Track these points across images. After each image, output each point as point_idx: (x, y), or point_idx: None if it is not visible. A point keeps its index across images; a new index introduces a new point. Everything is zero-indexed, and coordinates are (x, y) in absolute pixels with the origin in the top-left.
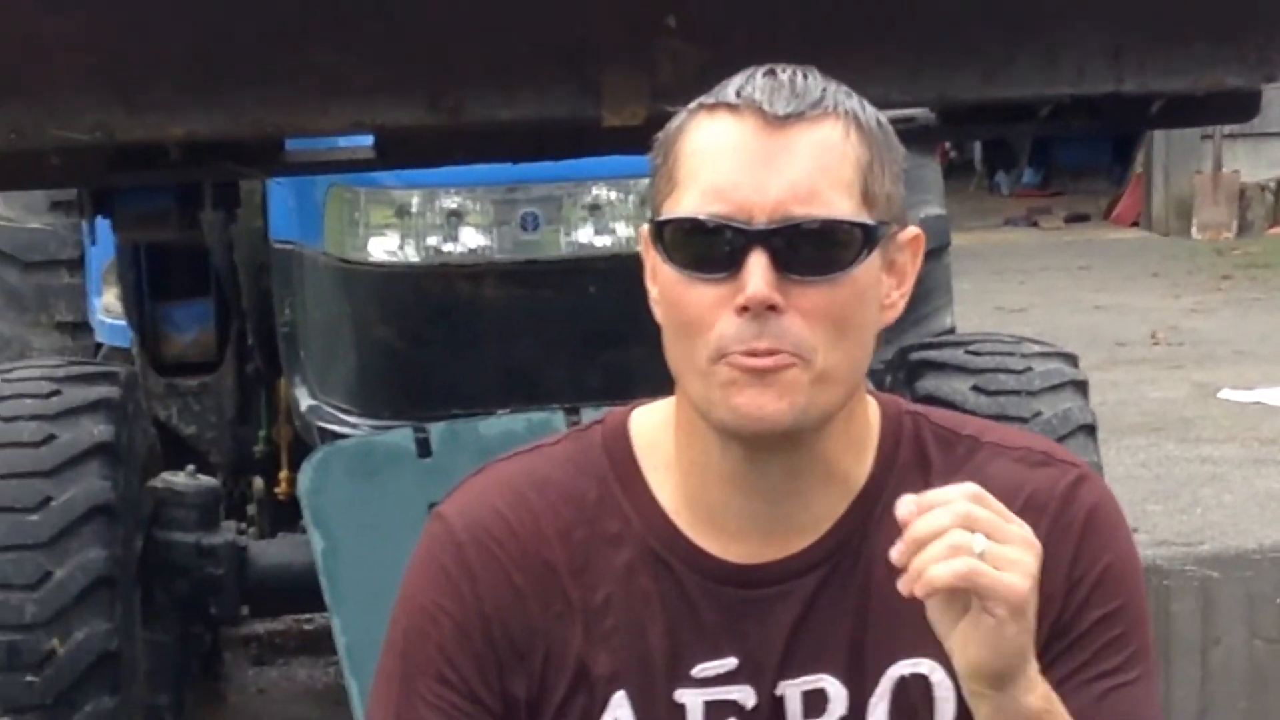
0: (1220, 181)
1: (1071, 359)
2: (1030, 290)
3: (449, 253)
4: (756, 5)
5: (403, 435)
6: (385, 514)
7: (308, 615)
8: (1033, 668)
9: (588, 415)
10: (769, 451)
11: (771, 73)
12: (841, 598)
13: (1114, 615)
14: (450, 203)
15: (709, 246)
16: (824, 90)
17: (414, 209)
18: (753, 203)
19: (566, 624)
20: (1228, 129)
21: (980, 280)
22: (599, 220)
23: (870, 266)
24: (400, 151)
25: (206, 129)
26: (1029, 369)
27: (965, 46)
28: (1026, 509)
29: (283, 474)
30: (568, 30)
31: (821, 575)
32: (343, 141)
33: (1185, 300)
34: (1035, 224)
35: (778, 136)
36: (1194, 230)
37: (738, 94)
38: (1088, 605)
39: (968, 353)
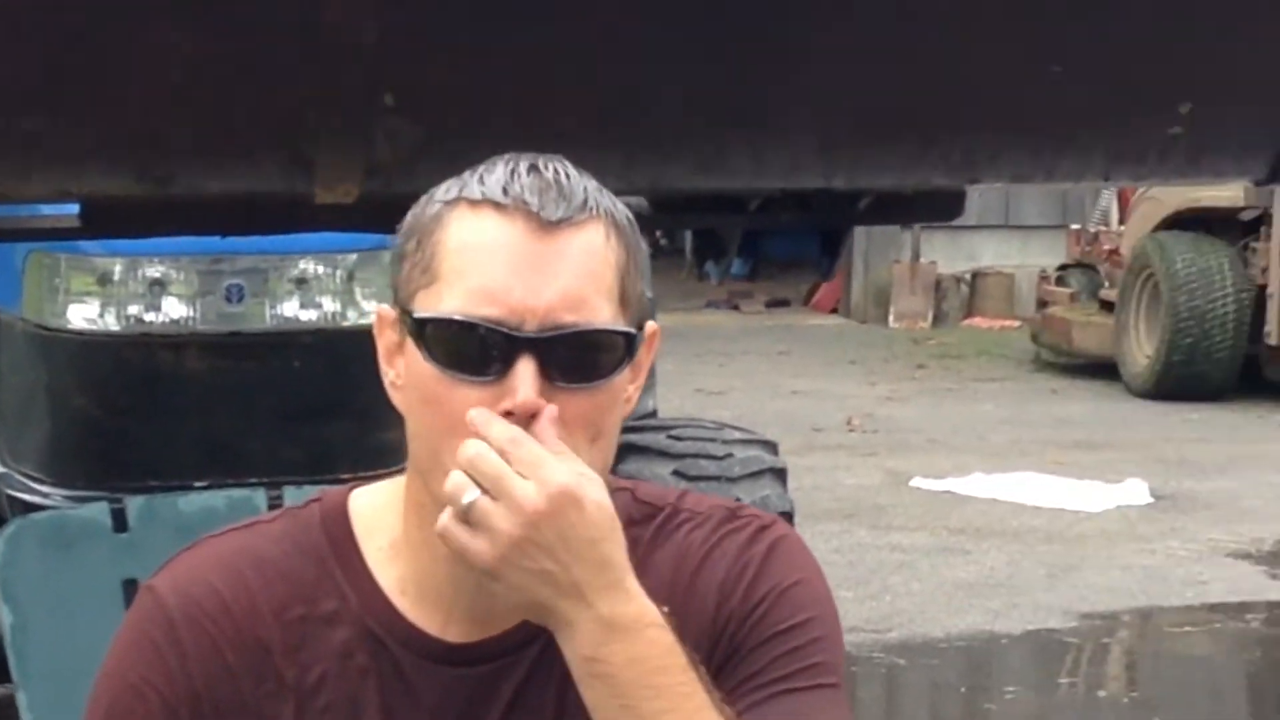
0: (917, 272)
1: (771, 446)
2: (730, 373)
3: (151, 322)
4: (475, 86)
5: (98, 509)
6: (78, 589)
7: None
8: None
9: (290, 494)
10: None
11: (535, 169)
12: (553, 673)
13: (794, 629)
14: (154, 272)
15: (476, 349)
16: (586, 190)
17: (116, 277)
18: (526, 307)
19: (278, 703)
20: None
21: (681, 362)
22: (305, 294)
23: (625, 372)
24: (106, 221)
25: None
26: (730, 455)
27: (679, 137)
28: (710, 558)
29: None
30: (282, 104)
31: (536, 651)
32: (47, 209)
33: (881, 388)
34: (737, 307)
35: (548, 241)
36: (891, 319)
37: (504, 191)
38: (765, 620)
39: (669, 437)
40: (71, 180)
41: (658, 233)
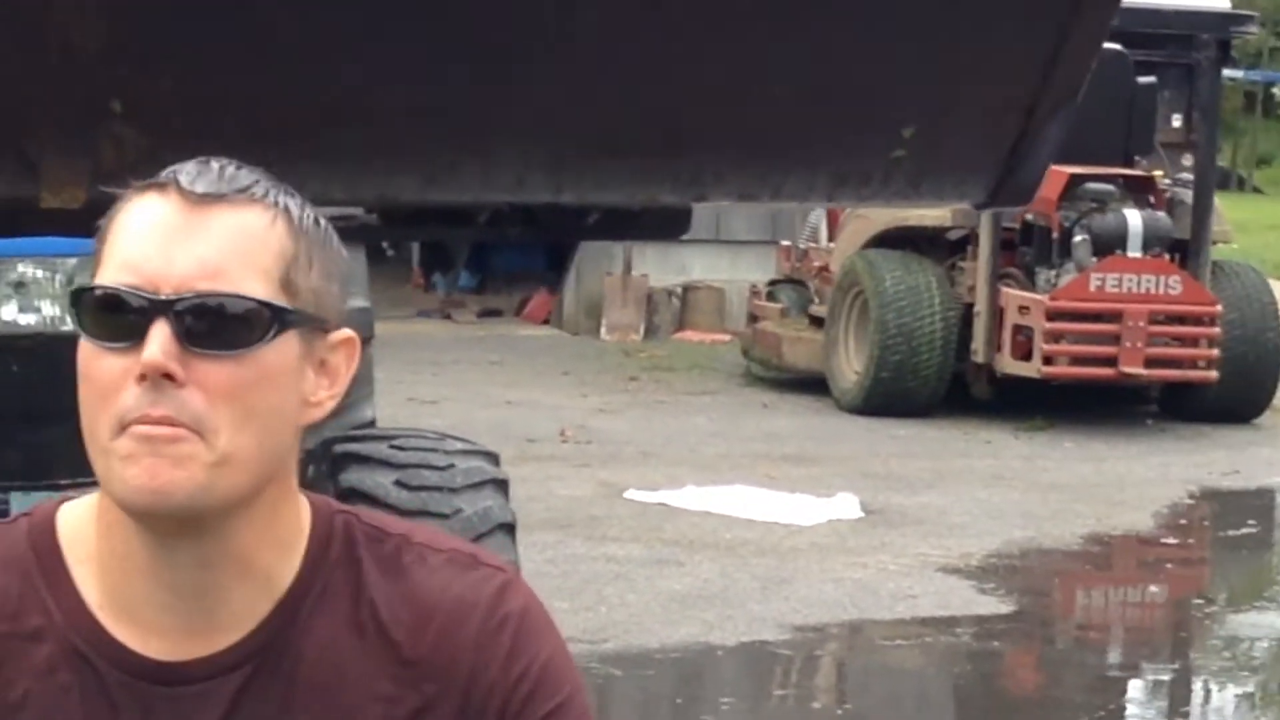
0: (629, 284)
1: (493, 457)
2: (443, 383)
3: None
4: (202, 94)
5: None
6: None
7: None
8: None
9: (15, 500)
10: (178, 539)
11: (206, 161)
12: (265, 699)
13: (562, 708)
14: None
15: (117, 318)
16: (256, 181)
17: None
18: (160, 275)
19: None
20: None
21: (393, 371)
22: (24, 298)
23: (283, 352)
24: None
25: None
26: (451, 465)
27: (408, 149)
28: (454, 610)
29: None
30: (7, 109)
31: (244, 675)
32: None
33: (594, 399)
34: (449, 317)
35: (195, 214)
36: (603, 331)
37: (167, 175)
38: (534, 699)
39: (391, 447)
40: None
41: (384, 244)
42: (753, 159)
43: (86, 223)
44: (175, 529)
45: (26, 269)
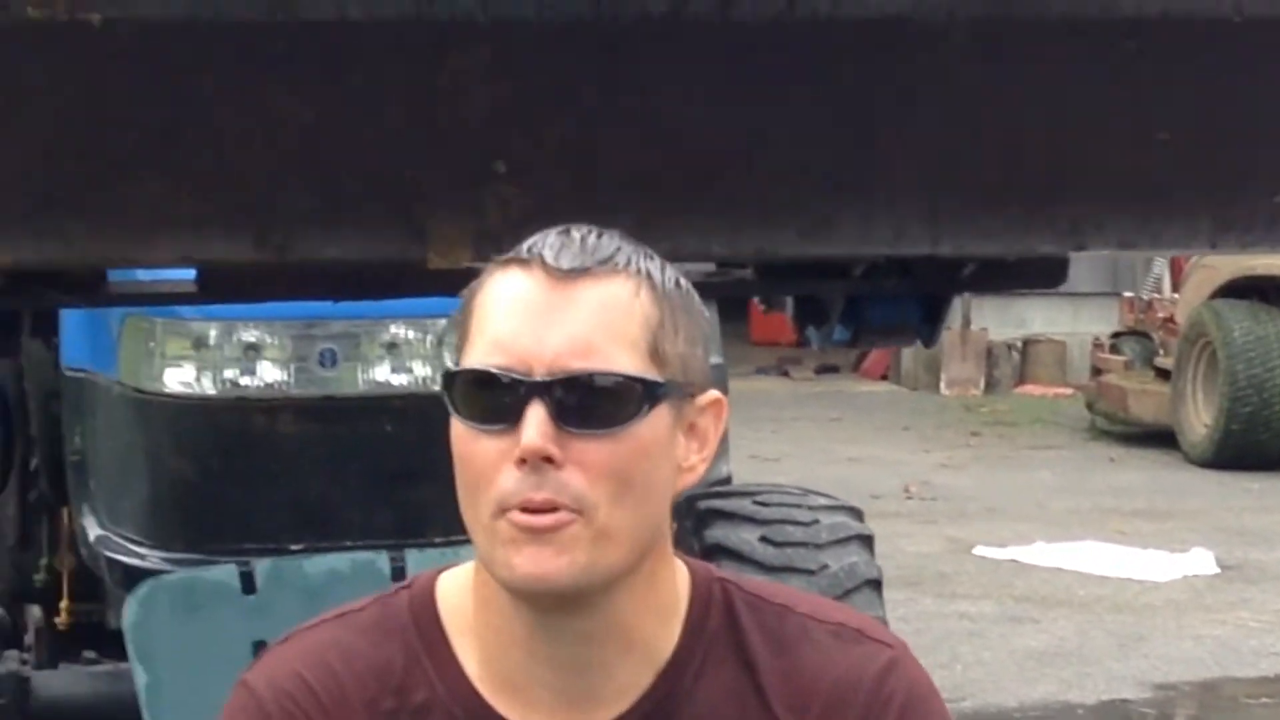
0: (968, 339)
1: (857, 513)
2: (783, 439)
3: (245, 386)
4: (583, 154)
5: (227, 571)
6: (209, 649)
7: None
8: None
9: (411, 557)
10: (559, 615)
11: (566, 231)
12: None
13: None
14: (248, 336)
15: (491, 399)
16: (617, 249)
17: (211, 341)
18: (531, 355)
19: None
20: None
21: (733, 427)
22: (396, 358)
23: (656, 424)
24: (222, 286)
25: (34, 258)
26: (816, 521)
27: (786, 204)
28: (839, 688)
29: (63, 604)
30: (396, 172)
31: None
32: (165, 274)
33: (936, 455)
34: (786, 373)
35: (561, 290)
36: (942, 386)
37: (529, 250)
38: None
39: (755, 503)
40: (192, 246)
41: (757, 299)
42: (1133, 207)
43: (459, 284)
44: (556, 606)
45: (398, 330)
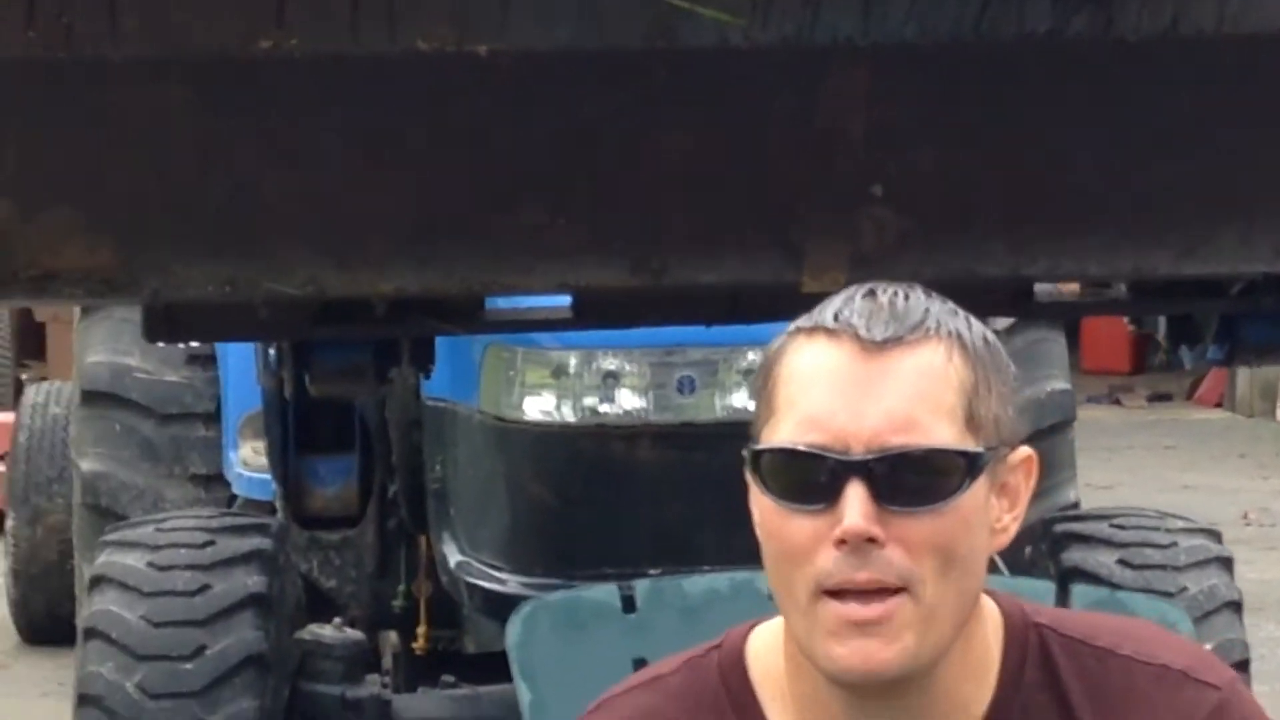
0: None
1: (1215, 535)
2: (1116, 468)
3: (605, 414)
4: (959, 176)
5: (608, 591)
6: (591, 668)
7: None
8: None
9: None
10: (879, 699)
11: (871, 294)
12: None
13: None
14: (608, 364)
15: (805, 477)
16: (926, 311)
17: (571, 369)
18: (849, 432)
19: None
20: None
21: None
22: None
23: (976, 494)
24: (597, 312)
25: (415, 286)
26: (1174, 544)
27: (1166, 221)
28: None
29: (421, 629)
30: (774, 196)
31: None
32: (539, 301)
33: (1275, 482)
34: (1118, 401)
35: (875, 362)
36: (1279, 412)
37: (835, 318)
38: None
39: (1112, 526)
40: (570, 273)
41: (1126, 320)
42: None
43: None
44: (880, 692)
45: (755, 356)
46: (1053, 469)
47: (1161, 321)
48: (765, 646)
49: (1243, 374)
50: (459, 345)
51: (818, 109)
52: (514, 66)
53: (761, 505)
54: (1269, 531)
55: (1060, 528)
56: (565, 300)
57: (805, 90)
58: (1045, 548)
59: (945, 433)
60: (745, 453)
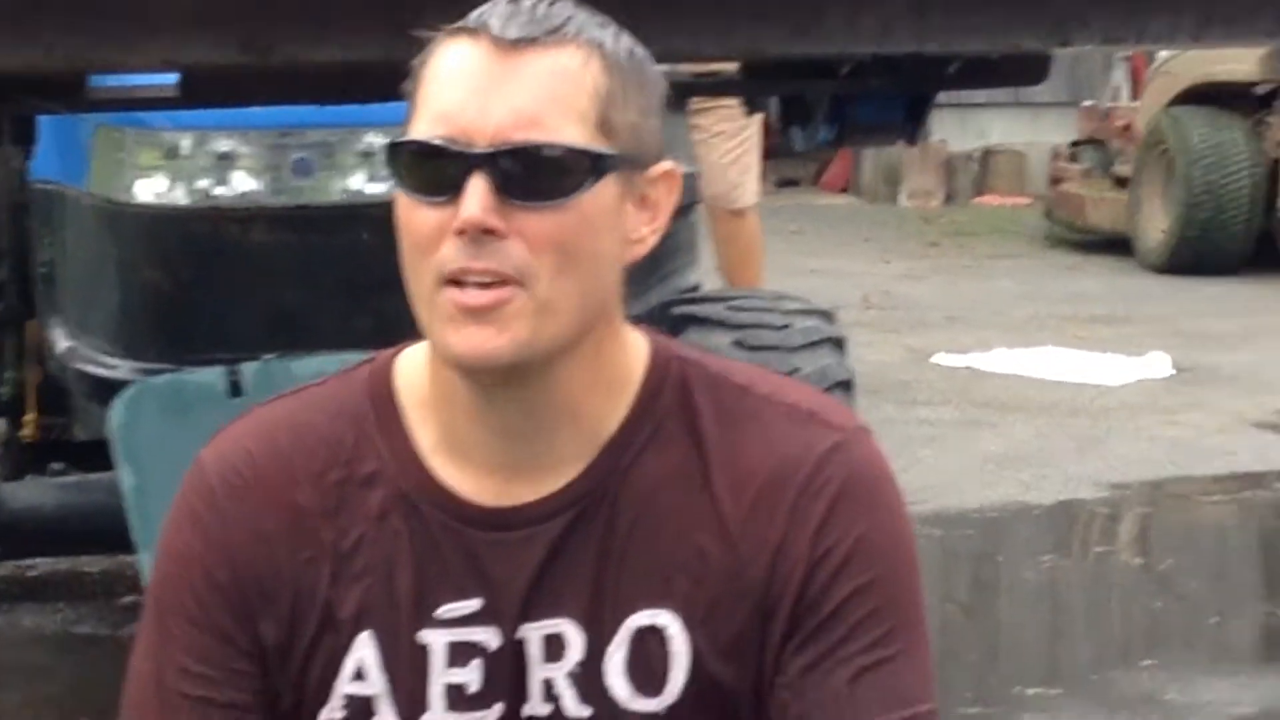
0: (928, 151)
1: (828, 315)
2: None
3: (219, 196)
4: None
5: (215, 374)
6: (195, 452)
7: (31, 561)
8: None
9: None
10: (502, 387)
11: (515, 0)
12: (585, 544)
13: (867, 589)
14: (221, 146)
15: (432, 170)
16: (568, 19)
17: (184, 151)
18: (475, 127)
19: (316, 567)
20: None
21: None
22: (372, 167)
23: (602, 195)
24: (205, 91)
25: (12, 62)
26: (788, 325)
27: (775, 3)
28: (777, 471)
29: (29, 416)
30: None
31: (567, 520)
32: (146, 79)
33: (896, 266)
34: None
35: (508, 61)
36: (902, 198)
37: (477, 19)
38: (836, 581)
39: (729, 308)
40: (176, 50)
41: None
42: (1118, 1)
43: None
44: (501, 379)
45: (374, 138)
46: (674, 253)
47: (774, 103)
48: (412, 362)
49: (867, 159)
50: (67, 125)
51: None
52: None
53: (399, 202)
54: (889, 315)
55: (678, 310)
56: (173, 78)
57: None
58: (664, 330)
59: (573, 133)
60: (385, 147)
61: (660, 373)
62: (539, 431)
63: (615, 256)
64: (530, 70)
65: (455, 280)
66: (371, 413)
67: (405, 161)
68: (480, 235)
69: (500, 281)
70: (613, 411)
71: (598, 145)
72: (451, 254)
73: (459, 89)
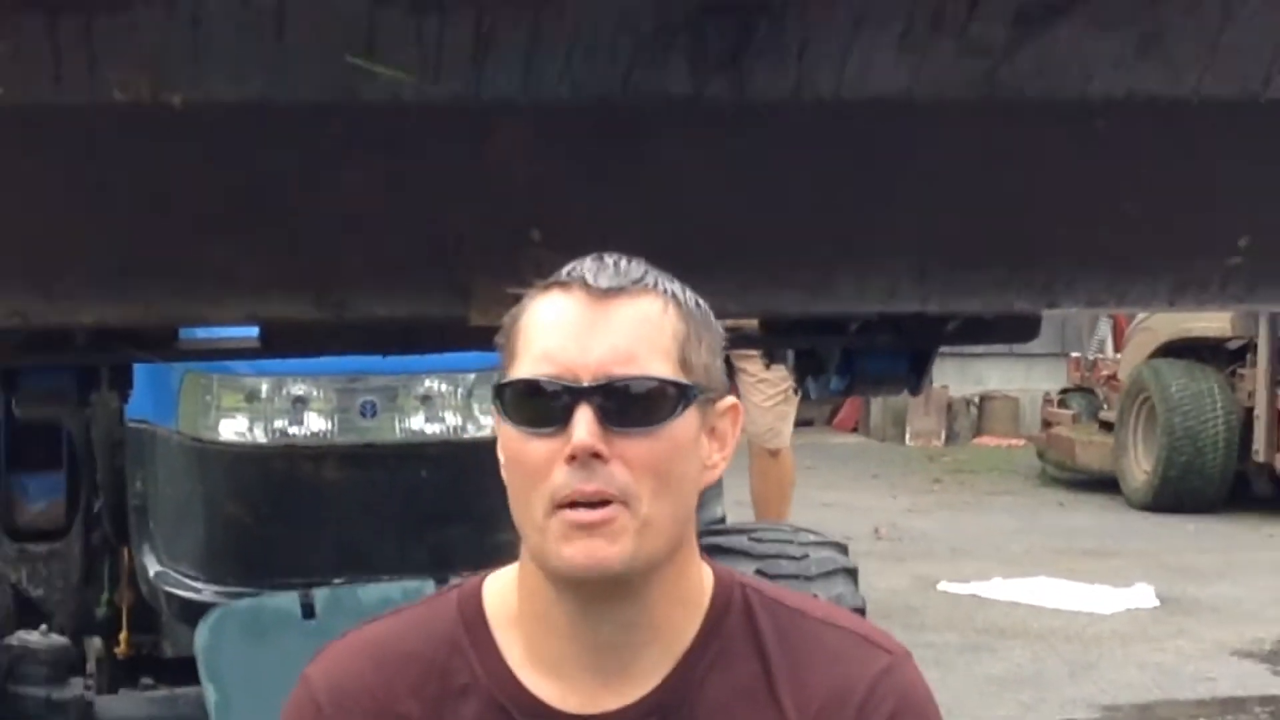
0: (931, 395)
1: (842, 548)
2: None
3: (294, 435)
4: (608, 222)
5: (289, 599)
6: (273, 671)
7: None
8: None
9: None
10: (601, 603)
11: (599, 257)
12: None
13: None
14: (297, 390)
15: (541, 404)
16: (645, 272)
17: (263, 394)
18: (578, 365)
19: None
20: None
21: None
22: (430, 409)
23: (687, 424)
24: (283, 342)
25: (114, 317)
26: (806, 555)
27: (791, 266)
28: (840, 686)
29: (123, 635)
30: (444, 238)
31: (654, 717)
32: (231, 331)
33: (902, 500)
34: None
35: (601, 307)
36: (907, 438)
37: (568, 274)
38: None
39: (751, 539)
40: (256, 306)
41: (760, 352)
42: (1101, 269)
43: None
44: (601, 595)
45: (432, 383)
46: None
47: (790, 356)
48: (498, 585)
49: (876, 403)
50: (159, 371)
51: (483, 160)
52: (205, 116)
53: (504, 435)
54: (897, 545)
55: (705, 540)
56: (254, 331)
57: (473, 142)
58: None
59: (661, 368)
60: (492, 389)
61: (726, 594)
62: (628, 645)
63: (696, 479)
64: (621, 315)
65: (566, 503)
66: (463, 631)
67: (513, 400)
68: (589, 460)
69: (606, 501)
70: (689, 628)
71: (683, 378)
72: (563, 479)
73: (560, 332)
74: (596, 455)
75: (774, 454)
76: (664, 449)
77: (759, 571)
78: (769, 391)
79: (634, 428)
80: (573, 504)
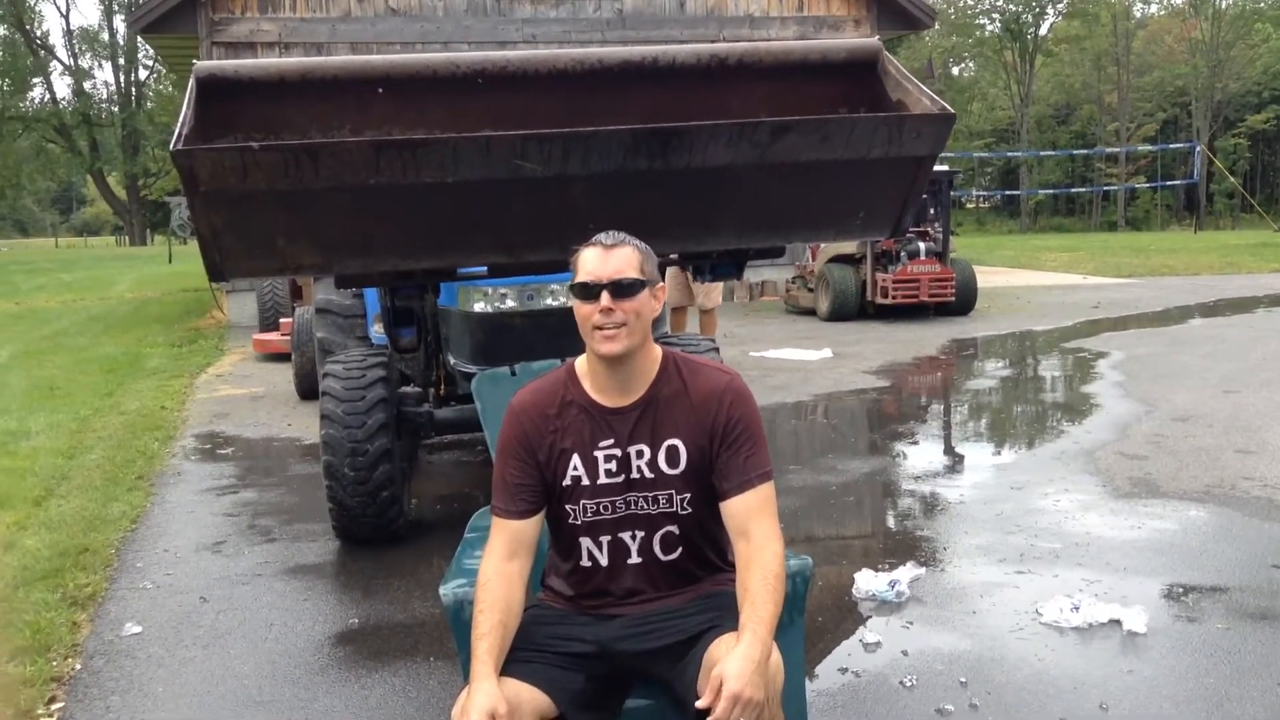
0: (745, 283)
1: (713, 342)
2: None
3: (500, 308)
4: (620, 224)
5: (505, 370)
6: (500, 400)
7: (457, 438)
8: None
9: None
10: (617, 365)
11: (607, 233)
12: (646, 417)
13: (744, 428)
14: (501, 290)
15: (587, 290)
16: (625, 238)
17: (488, 293)
18: (600, 274)
19: (553, 434)
20: None
21: None
22: (552, 296)
23: (645, 295)
24: (495, 272)
25: (433, 265)
26: (699, 344)
27: (688, 235)
28: (713, 389)
29: (442, 388)
30: (558, 230)
31: (640, 409)
32: (475, 270)
33: (738, 322)
34: None
35: (607, 252)
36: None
37: (593, 240)
38: (732, 426)
39: (677, 340)
40: (485, 259)
41: (673, 256)
42: (805, 227)
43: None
44: (616, 362)
45: (554, 286)
46: (659, 323)
47: (691, 267)
48: (580, 360)
49: (729, 286)
50: (450, 286)
51: (564, 200)
52: (458, 184)
53: (575, 304)
54: (734, 339)
55: (657, 339)
56: (484, 269)
57: (561, 192)
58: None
59: (633, 275)
60: (568, 286)
61: (666, 358)
62: (629, 380)
63: (649, 316)
64: (616, 255)
65: (599, 327)
66: (567, 378)
67: (578, 289)
68: (608, 310)
69: (615, 325)
70: (652, 371)
71: (643, 278)
72: (598, 319)
73: (593, 262)
74: (610, 309)
75: (708, 311)
76: (636, 304)
77: (680, 348)
78: (706, 285)
79: (624, 298)
80: (601, 327)
